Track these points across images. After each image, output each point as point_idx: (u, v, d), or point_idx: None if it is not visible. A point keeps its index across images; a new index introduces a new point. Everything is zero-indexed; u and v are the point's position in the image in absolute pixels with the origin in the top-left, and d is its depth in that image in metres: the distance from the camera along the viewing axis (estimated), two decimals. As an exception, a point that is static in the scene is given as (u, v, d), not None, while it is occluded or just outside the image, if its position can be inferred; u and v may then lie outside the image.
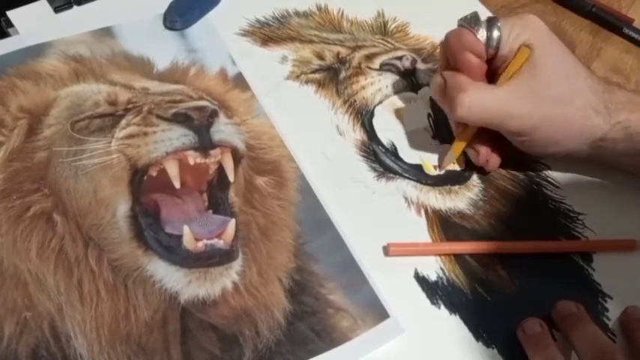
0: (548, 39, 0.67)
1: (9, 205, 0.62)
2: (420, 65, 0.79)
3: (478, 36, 0.67)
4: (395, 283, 0.64)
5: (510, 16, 0.70)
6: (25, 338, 0.57)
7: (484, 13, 0.79)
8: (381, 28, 0.83)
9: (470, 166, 0.73)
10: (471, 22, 0.68)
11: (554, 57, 0.67)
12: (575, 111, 0.67)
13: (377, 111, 0.75)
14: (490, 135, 0.70)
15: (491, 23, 0.68)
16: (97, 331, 0.58)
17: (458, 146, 0.71)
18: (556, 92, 0.67)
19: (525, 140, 0.68)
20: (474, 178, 0.72)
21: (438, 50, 0.80)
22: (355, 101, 0.76)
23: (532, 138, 0.68)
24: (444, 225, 0.69)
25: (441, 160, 0.73)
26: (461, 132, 0.71)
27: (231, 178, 0.65)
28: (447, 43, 0.69)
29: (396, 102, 0.76)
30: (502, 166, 0.72)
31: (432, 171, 0.72)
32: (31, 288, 0.59)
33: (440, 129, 0.75)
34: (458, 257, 0.67)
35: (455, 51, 0.68)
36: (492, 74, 0.69)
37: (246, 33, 0.80)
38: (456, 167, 0.73)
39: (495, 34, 0.67)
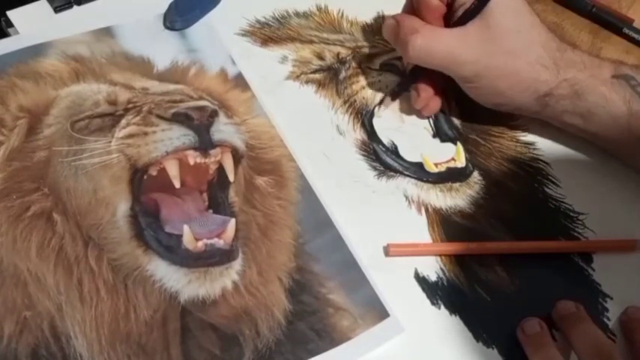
0: None
1: (9, 204, 0.62)
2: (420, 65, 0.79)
3: None
4: (395, 283, 0.64)
5: None
6: (25, 338, 0.57)
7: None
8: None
9: (471, 163, 0.73)
10: None
11: (511, 10, 0.69)
12: (523, 64, 0.68)
13: (377, 111, 0.76)
14: (436, 80, 0.73)
15: None
16: (97, 330, 0.58)
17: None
18: (506, 44, 0.68)
19: (472, 87, 0.71)
20: (475, 175, 0.72)
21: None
22: (355, 101, 0.76)
23: (478, 85, 0.70)
24: (445, 224, 0.69)
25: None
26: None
27: (231, 177, 0.65)
28: None
29: (396, 102, 0.76)
30: (502, 160, 0.72)
31: (432, 168, 0.72)
32: (30, 287, 0.59)
33: (440, 129, 0.75)
34: (458, 257, 0.67)
35: None
36: (450, 18, 0.71)
37: (246, 33, 0.80)
38: (457, 164, 0.73)
39: None
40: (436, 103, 0.74)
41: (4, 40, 0.75)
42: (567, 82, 0.68)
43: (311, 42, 0.80)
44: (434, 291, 0.65)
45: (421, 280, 0.65)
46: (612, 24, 0.86)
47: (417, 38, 0.68)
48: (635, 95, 0.68)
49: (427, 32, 0.69)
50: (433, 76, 0.73)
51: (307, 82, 0.77)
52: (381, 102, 0.76)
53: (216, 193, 0.65)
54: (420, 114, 0.75)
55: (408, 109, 0.76)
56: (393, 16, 0.72)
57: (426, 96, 0.73)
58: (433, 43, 0.69)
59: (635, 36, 0.85)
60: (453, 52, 0.69)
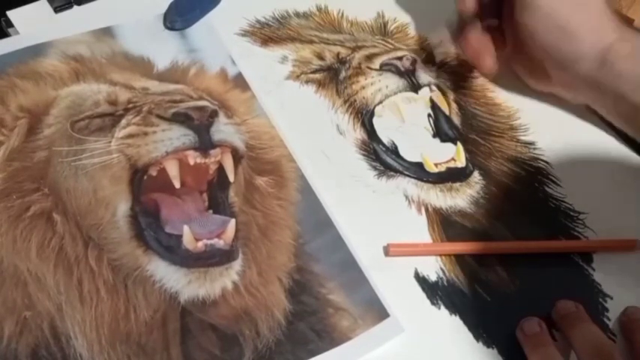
0: None
1: (9, 204, 0.62)
2: (420, 65, 0.79)
3: None
4: (395, 283, 0.64)
5: None
6: (25, 338, 0.57)
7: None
8: (381, 29, 0.83)
9: (471, 163, 0.73)
10: None
11: None
12: (595, 6, 0.68)
13: (377, 111, 0.75)
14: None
15: None
16: (97, 330, 0.58)
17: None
18: None
19: (533, 15, 0.68)
20: (475, 175, 0.72)
21: (439, 50, 0.81)
22: (355, 101, 0.76)
23: (539, 14, 0.68)
24: (445, 224, 0.69)
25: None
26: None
27: (231, 178, 0.65)
28: None
29: (396, 102, 0.76)
30: (502, 158, 0.72)
31: (432, 168, 0.72)
32: (30, 288, 0.59)
33: (440, 129, 0.75)
34: (458, 257, 0.67)
35: None
36: None
37: (246, 33, 0.80)
38: (457, 164, 0.73)
39: None
40: (490, 61, 0.74)
41: (4, 40, 0.75)
42: (629, 43, 0.68)
43: (311, 42, 0.80)
44: (434, 291, 0.65)
45: (421, 280, 0.65)
46: (612, 24, 0.86)
47: None
48: None
49: None
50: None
51: (307, 82, 0.77)
52: (380, 102, 0.76)
53: (216, 194, 0.65)
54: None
55: (408, 110, 0.76)
56: None
57: (477, 44, 0.74)
58: None
59: (636, 36, 0.85)
60: None
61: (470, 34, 0.74)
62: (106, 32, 0.76)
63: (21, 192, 0.62)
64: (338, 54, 0.79)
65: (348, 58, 0.79)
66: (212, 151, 0.64)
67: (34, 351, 0.57)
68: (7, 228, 0.61)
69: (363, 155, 0.72)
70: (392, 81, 0.78)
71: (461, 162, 0.73)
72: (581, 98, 0.74)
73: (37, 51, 0.73)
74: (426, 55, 0.81)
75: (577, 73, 0.71)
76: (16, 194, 0.62)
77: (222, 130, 0.66)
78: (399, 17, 0.84)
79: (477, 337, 0.63)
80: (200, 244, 0.62)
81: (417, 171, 0.72)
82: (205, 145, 0.64)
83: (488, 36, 0.75)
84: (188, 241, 0.62)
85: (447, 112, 0.77)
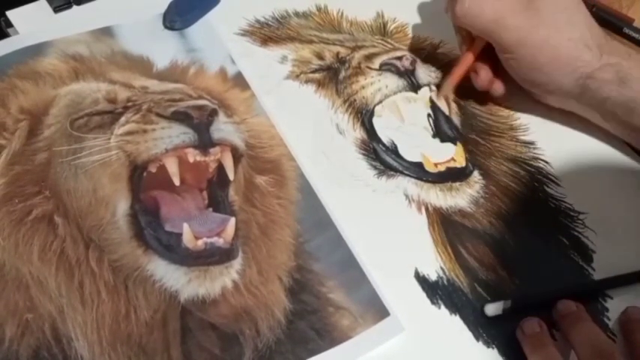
0: None
1: (11, 208, 0.62)
2: (420, 65, 0.79)
3: None
4: (395, 282, 0.64)
5: None
6: (27, 340, 0.57)
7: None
8: (381, 29, 0.83)
9: (471, 162, 0.73)
10: None
11: None
12: (565, 40, 0.69)
13: (377, 110, 0.75)
14: (492, 61, 0.74)
15: None
16: (98, 332, 0.58)
17: (463, 64, 0.76)
18: (551, 18, 0.69)
19: (511, 58, 0.71)
20: (475, 175, 0.72)
21: (439, 50, 0.81)
22: (355, 101, 0.76)
23: (517, 56, 0.70)
24: (445, 223, 0.69)
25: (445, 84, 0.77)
26: (466, 52, 0.75)
27: (231, 176, 0.65)
28: None
29: (396, 102, 0.76)
30: (502, 158, 0.72)
31: (432, 168, 0.72)
32: (32, 290, 0.59)
33: (440, 129, 0.75)
34: (458, 256, 0.67)
35: None
36: None
37: (245, 33, 0.80)
38: (457, 164, 0.73)
39: None
40: (499, 85, 0.75)
41: (4, 41, 0.75)
42: (612, 67, 0.68)
43: (311, 42, 0.80)
44: (434, 291, 0.65)
45: (421, 280, 0.65)
46: (612, 24, 0.86)
47: None
48: None
49: None
50: (491, 58, 0.74)
51: (307, 81, 0.77)
52: (380, 102, 0.76)
53: (215, 192, 0.65)
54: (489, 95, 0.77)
55: (408, 110, 0.76)
56: None
57: (486, 74, 0.75)
58: (481, 4, 0.70)
59: (635, 36, 0.85)
60: (499, 15, 0.70)
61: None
62: (106, 32, 0.76)
63: (23, 196, 0.62)
64: (337, 54, 0.79)
65: (347, 57, 0.79)
66: (212, 150, 0.64)
67: (35, 353, 0.57)
68: (10, 232, 0.61)
69: (363, 155, 0.72)
70: (391, 81, 0.78)
71: (461, 162, 0.73)
72: (572, 110, 0.75)
73: (36, 51, 0.73)
74: (426, 55, 0.80)
75: (562, 98, 0.74)
76: (18, 198, 0.62)
77: (222, 128, 0.66)
78: (399, 17, 0.84)
79: (477, 337, 0.63)
80: (200, 242, 0.62)
81: (417, 170, 0.72)
82: (205, 143, 0.64)
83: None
84: (188, 239, 0.62)
85: (447, 112, 0.77)
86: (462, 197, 0.71)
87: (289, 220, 0.66)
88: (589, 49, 0.69)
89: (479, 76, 0.75)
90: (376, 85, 0.77)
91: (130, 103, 0.67)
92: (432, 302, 0.64)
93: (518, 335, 0.62)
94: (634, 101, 0.69)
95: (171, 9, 0.79)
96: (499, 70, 0.75)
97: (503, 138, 0.76)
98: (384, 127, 0.74)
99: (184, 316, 0.60)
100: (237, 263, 0.62)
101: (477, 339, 0.62)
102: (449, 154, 0.73)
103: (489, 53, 0.74)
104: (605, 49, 0.69)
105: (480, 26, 0.72)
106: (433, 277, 0.66)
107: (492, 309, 0.63)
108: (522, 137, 0.76)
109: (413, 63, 0.79)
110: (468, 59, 0.75)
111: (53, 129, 0.65)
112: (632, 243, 0.69)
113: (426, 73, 0.79)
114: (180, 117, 0.65)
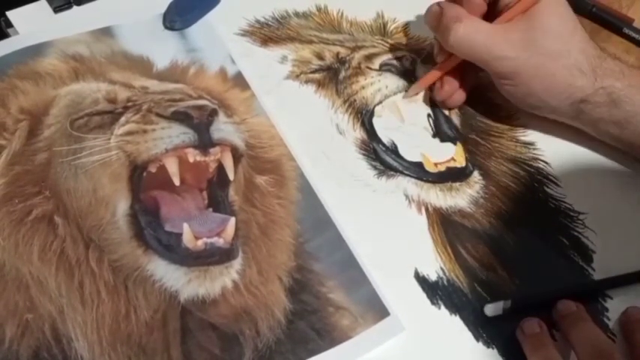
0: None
1: (11, 209, 0.62)
2: (420, 65, 0.79)
3: None
4: (395, 282, 0.64)
5: None
6: (27, 340, 0.57)
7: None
8: (381, 29, 0.83)
9: (471, 162, 0.73)
10: None
11: (556, 13, 0.70)
12: (560, 68, 0.69)
13: (377, 111, 0.75)
14: (463, 75, 0.74)
15: None
16: (98, 332, 0.58)
17: (432, 75, 0.75)
18: (546, 46, 0.69)
19: (506, 84, 0.71)
20: (475, 175, 0.72)
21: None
22: (355, 101, 0.76)
23: (513, 83, 0.70)
24: (445, 224, 0.69)
25: (411, 88, 0.77)
26: (441, 63, 0.74)
27: (231, 176, 0.65)
28: None
29: (396, 102, 0.76)
30: (502, 159, 0.73)
31: (432, 168, 0.72)
32: (32, 290, 0.59)
33: (440, 129, 0.75)
34: (458, 257, 0.67)
35: None
36: (491, 17, 0.72)
37: (245, 33, 0.80)
38: (457, 164, 0.73)
39: None
40: (461, 96, 0.75)
41: (4, 41, 0.75)
42: (604, 90, 0.69)
43: (311, 42, 0.80)
44: (434, 291, 0.65)
45: (421, 280, 0.65)
46: (612, 24, 0.86)
47: (460, 27, 0.69)
48: None
49: (470, 22, 0.70)
50: (462, 70, 0.74)
51: (307, 81, 0.77)
52: (380, 102, 0.76)
53: (215, 192, 0.65)
54: (443, 104, 0.77)
55: (408, 110, 0.76)
56: (438, 3, 0.73)
57: (450, 88, 0.74)
58: (475, 34, 0.70)
59: (635, 36, 0.85)
60: (493, 45, 0.69)
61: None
62: (106, 32, 0.76)
63: (23, 196, 0.62)
64: (337, 54, 0.79)
65: (347, 58, 0.79)
66: (212, 150, 0.64)
67: (35, 353, 0.57)
68: (10, 232, 0.61)
69: (363, 155, 0.72)
70: (391, 81, 0.78)
71: (461, 162, 0.73)
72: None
73: (36, 51, 0.73)
74: (426, 55, 0.80)
75: (556, 117, 0.73)
76: (18, 198, 0.62)
77: (222, 128, 0.66)
78: (399, 17, 0.84)
79: (477, 337, 0.63)
80: (200, 242, 0.62)
81: (417, 171, 0.72)
82: (205, 143, 0.64)
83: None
84: (188, 239, 0.62)
85: (447, 112, 0.77)
86: (461, 197, 0.71)
87: (289, 220, 0.66)
88: (583, 75, 0.69)
89: (442, 89, 0.75)
90: (376, 85, 0.77)
91: (130, 103, 0.67)
92: (432, 302, 0.64)
93: (518, 335, 0.62)
94: (626, 120, 0.69)
95: (171, 9, 0.79)
96: (464, 83, 0.75)
97: (503, 138, 0.76)
98: (384, 128, 0.74)
99: (184, 316, 0.60)
100: (237, 263, 0.62)
101: (477, 339, 0.63)
102: (449, 154, 0.74)
103: (460, 67, 0.74)
104: (598, 72, 0.69)
105: (473, 56, 0.71)
106: (433, 277, 0.66)
107: (492, 309, 0.63)
108: (522, 138, 0.76)
109: (413, 63, 0.79)
110: (437, 74, 0.75)
111: (53, 129, 0.65)
112: (632, 243, 0.69)
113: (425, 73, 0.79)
114: (181, 117, 0.65)
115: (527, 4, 0.69)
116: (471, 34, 0.70)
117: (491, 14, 0.72)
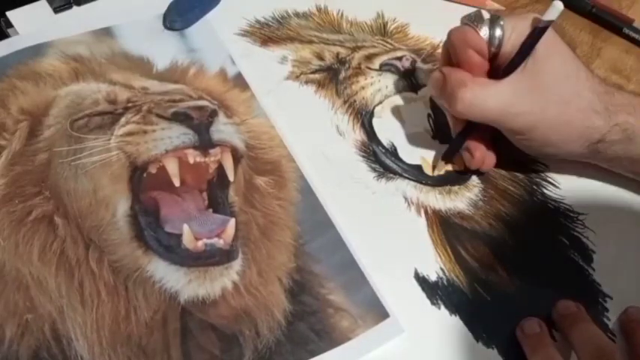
0: (552, 39, 0.67)
1: (11, 209, 0.62)
2: (420, 65, 0.79)
3: (481, 34, 0.67)
4: (395, 283, 0.64)
5: (513, 15, 0.69)
6: (27, 340, 0.57)
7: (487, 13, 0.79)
8: (381, 29, 0.83)
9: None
10: (474, 20, 0.68)
11: (557, 57, 0.67)
12: (575, 112, 0.66)
13: (377, 111, 0.75)
14: (485, 134, 0.70)
15: (494, 22, 0.67)
16: (98, 332, 0.58)
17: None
18: (557, 92, 0.66)
19: (523, 139, 0.68)
20: (474, 179, 0.72)
21: (438, 50, 0.80)
22: (355, 101, 0.76)
23: (530, 137, 0.68)
24: (444, 225, 0.69)
25: (436, 161, 0.73)
26: (462, 130, 0.71)
27: (230, 177, 0.65)
28: (449, 40, 0.69)
29: (396, 102, 0.76)
30: (500, 165, 0.72)
31: (431, 171, 0.72)
32: (32, 291, 0.59)
33: (440, 129, 0.75)
34: (458, 257, 0.67)
35: (457, 48, 0.68)
36: (494, 73, 0.68)
37: (245, 33, 0.80)
38: (456, 168, 0.73)
39: (498, 32, 0.67)
40: (492, 158, 0.72)
41: (4, 42, 0.75)
42: (619, 127, 0.67)
43: (311, 42, 0.80)
44: (434, 291, 0.65)
45: (421, 280, 0.65)
46: (612, 24, 0.86)
47: (466, 92, 0.66)
48: None
49: (476, 86, 0.66)
50: (481, 130, 0.70)
51: (307, 82, 0.77)
52: (380, 102, 0.76)
53: (215, 193, 0.65)
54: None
55: (408, 110, 0.76)
56: (439, 69, 0.69)
57: (481, 154, 0.71)
58: (483, 97, 0.66)
59: (635, 36, 0.85)
60: (505, 104, 0.66)
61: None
62: (106, 32, 0.76)
63: (23, 196, 0.62)
64: (337, 54, 0.79)
65: (347, 58, 0.79)
66: (212, 150, 0.64)
67: (35, 353, 0.57)
68: (10, 232, 0.61)
69: (363, 157, 0.72)
70: (391, 81, 0.78)
71: (459, 165, 0.73)
72: None
73: (36, 51, 0.73)
74: (426, 55, 0.80)
75: (572, 158, 0.71)
76: (18, 199, 0.62)
77: (222, 129, 0.66)
78: (399, 17, 0.84)
79: (477, 337, 0.63)
80: (200, 243, 0.62)
81: (416, 174, 0.72)
82: (205, 144, 0.64)
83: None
84: (188, 240, 0.62)
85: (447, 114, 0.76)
86: (460, 200, 0.71)
87: (289, 222, 0.66)
88: (598, 114, 0.67)
89: (474, 159, 0.71)
90: (376, 85, 0.77)
91: (130, 104, 0.67)
92: (432, 303, 0.64)
93: (518, 335, 0.62)
94: (639, 154, 0.68)
95: (172, 9, 0.79)
96: (490, 143, 0.72)
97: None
98: (384, 129, 0.74)
99: (184, 317, 0.60)
100: (237, 264, 0.62)
101: (477, 339, 0.63)
102: (448, 157, 0.73)
103: (479, 127, 0.70)
104: (611, 109, 0.67)
105: (486, 119, 0.67)
106: (433, 277, 0.66)
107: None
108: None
109: (413, 63, 0.79)
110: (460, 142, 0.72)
111: (53, 130, 0.66)
112: (632, 243, 0.69)
113: (426, 74, 0.79)
114: (181, 118, 0.65)
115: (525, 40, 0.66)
116: (479, 97, 0.66)
117: (494, 70, 0.68)
